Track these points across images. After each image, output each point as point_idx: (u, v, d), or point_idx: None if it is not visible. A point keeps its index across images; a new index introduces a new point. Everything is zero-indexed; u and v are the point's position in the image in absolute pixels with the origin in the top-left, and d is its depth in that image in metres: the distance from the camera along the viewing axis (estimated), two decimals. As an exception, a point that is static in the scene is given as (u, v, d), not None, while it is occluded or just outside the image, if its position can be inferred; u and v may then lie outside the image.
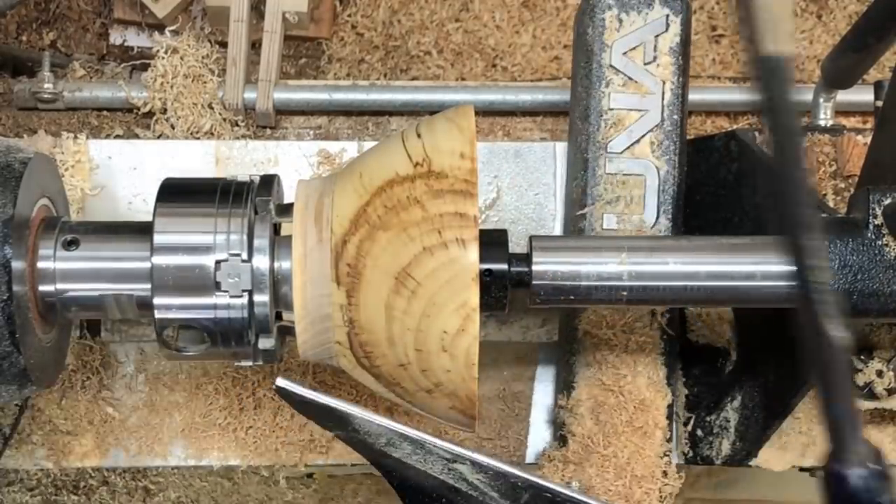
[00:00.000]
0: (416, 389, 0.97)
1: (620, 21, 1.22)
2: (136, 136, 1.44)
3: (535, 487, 0.98)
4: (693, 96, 1.34)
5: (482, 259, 0.92)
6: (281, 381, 0.98)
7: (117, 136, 1.45)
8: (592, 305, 1.21)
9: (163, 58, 1.40)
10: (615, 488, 1.21)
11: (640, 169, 1.21)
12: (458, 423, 1.00)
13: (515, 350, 1.37)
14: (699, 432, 1.28)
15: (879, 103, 1.27)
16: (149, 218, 1.02)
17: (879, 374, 1.15)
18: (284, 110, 1.47)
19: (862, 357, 1.16)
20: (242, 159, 1.33)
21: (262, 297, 0.99)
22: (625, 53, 1.22)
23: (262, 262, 0.99)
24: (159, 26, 1.49)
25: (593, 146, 1.22)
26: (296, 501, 1.61)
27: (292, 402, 0.99)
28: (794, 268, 0.98)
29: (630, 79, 1.22)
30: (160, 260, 0.99)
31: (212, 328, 0.99)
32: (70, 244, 1.03)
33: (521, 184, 1.32)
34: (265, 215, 1.00)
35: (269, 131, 1.48)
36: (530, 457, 1.36)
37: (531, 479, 0.98)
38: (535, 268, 1.00)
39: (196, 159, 1.32)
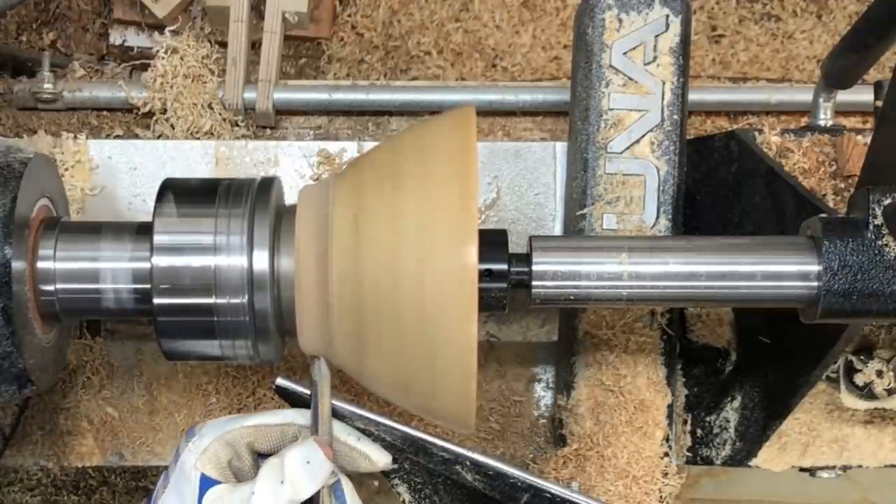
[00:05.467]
0: (416, 390, 0.97)
1: (620, 21, 1.22)
2: (136, 136, 1.44)
3: (535, 487, 0.98)
4: (693, 96, 1.34)
5: (482, 259, 0.92)
6: (281, 381, 0.98)
7: (117, 136, 1.45)
8: (592, 306, 1.21)
9: (163, 58, 1.40)
10: (615, 489, 1.21)
11: (640, 169, 1.21)
12: (458, 424, 1.00)
13: (515, 350, 1.37)
14: (699, 432, 1.28)
15: (879, 103, 1.27)
16: (149, 218, 1.01)
17: (879, 374, 1.15)
18: (284, 110, 1.47)
19: (862, 357, 1.16)
20: (242, 159, 1.33)
21: (262, 298, 0.99)
22: (625, 53, 1.22)
23: (262, 262, 0.99)
24: (159, 26, 1.49)
25: (593, 146, 1.22)
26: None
27: (292, 402, 0.99)
28: (794, 268, 0.98)
29: (630, 79, 1.22)
30: (160, 260, 0.99)
31: (212, 329, 0.99)
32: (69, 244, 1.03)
33: (521, 184, 1.32)
34: (265, 216, 1.00)
35: (269, 131, 1.48)
36: (530, 457, 1.36)
37: (531, 479, 0.98)
38: (535, 268, 1.00)
39: (196, 159, 1.32)
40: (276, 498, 0.88)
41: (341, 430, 0.96)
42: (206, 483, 0.91)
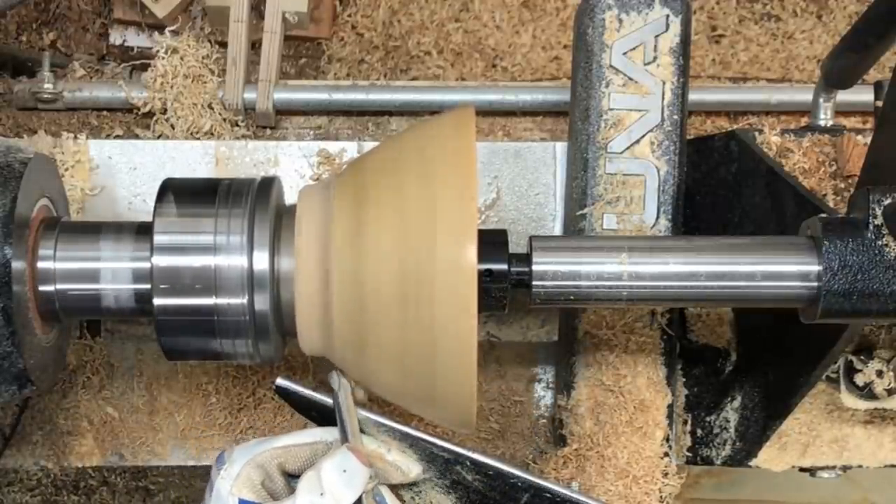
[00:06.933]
0: (416, 390, 0.97)
1: (620, 21, 1.22)
2: (136, 136, 1.44)
3: (535, 487, 0.99)
4: (693, 96, 1.34)
5: (482, 259, 0.92)
6: (281, 381, 0.98)
7: (117, 136, 1.45)
8: (592, 305, 1.21)
9: (163, 58, 1.40)
10: (615, 489, 1.21)
11: (640, 169, 1.21)
12: (458, 424, 1.00)
13: (515, 350, 1.37)
14: (699, 432, 1.28)
15: (879, 103, 1.27)
16: (149, 218, 1.01)
17: (879, 374, 1.15)
18: (284, 110, 1.47)
19: (862, 357, 1.16)
20: (242, 159, 1.33)
21: (262, 298, 0.99)
22: (625, 54, 1.22)
23: (262, 262, 0.99)
24: (159, 26, 1.49)
25: (593, 146, 1.22)
26: (296, 501, 1.61)
27: (292, 402, 0.99)
28: (794, 268, 0.98)
29: (630, 79, 1.22)
30: (160, 260, 0.99)
31: (212, 329, 0.99)
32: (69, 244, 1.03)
33: (521, 184, 1.32)
34: (265, 216, 1.00)
35: (269, 131, 1.48)
36: (530, 457, 1.36)
37: (531, 479, 0.99)
38: (535, 268, 1.00)
39: (196, 159, 1.32)
40: None
41: (370, 443, 0.97)
42: None
